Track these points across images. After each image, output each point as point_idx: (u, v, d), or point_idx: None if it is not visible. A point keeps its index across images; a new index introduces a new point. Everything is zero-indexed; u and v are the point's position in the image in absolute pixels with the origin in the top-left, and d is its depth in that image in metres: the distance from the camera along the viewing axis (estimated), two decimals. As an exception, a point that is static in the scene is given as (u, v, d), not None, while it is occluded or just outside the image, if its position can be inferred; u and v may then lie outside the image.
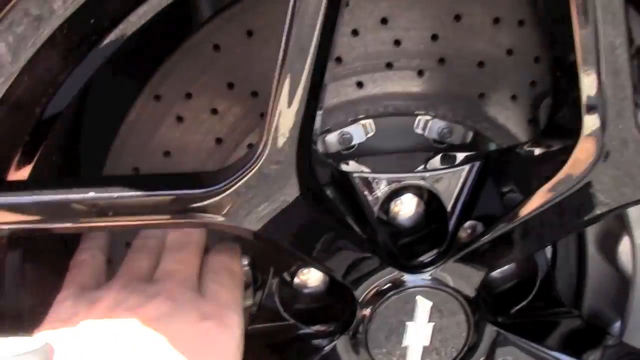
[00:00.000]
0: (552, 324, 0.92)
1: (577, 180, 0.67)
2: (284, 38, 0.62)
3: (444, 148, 0.91)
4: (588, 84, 0.62)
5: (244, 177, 0.66)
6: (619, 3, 0.61)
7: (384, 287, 0.78)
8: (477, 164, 0.80)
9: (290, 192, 0.68)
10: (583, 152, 0.66)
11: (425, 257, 0.80)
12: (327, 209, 0.76)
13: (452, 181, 0.80)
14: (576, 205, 0.69)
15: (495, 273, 0.90)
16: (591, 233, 0.92)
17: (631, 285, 0.90)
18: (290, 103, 0.62)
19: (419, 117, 0.89)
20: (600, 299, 0.95)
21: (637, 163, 0.66)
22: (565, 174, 0.68)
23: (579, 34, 0.61)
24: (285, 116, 0.62)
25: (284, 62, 0.61)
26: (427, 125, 0.90)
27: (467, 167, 0.80)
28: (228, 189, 0.67)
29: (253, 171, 0.65)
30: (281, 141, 0.63)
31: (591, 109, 0.63)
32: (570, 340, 0.91)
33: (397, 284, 0.79)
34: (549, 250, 0.95)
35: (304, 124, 0.63)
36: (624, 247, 0.89)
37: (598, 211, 0.69)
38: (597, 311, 0.96)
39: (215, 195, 0.67)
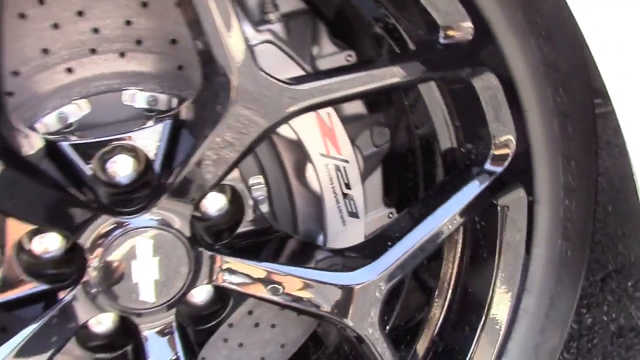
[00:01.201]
0: (272, 245, 1.12)
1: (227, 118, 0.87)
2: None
3: (154, 115, 1.07)
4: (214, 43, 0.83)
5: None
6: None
7: (104, 233, 0.92)
8: (169, 121, 0.96)
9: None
10: (219, 99, 0.86)
11: (140, 204, 0.96)
12: (39, 175, 0.89)
13: (153, 137, 0.96)
14: (230, 139, 0.89)
15: (213, 212, 1.07)
16: (290, 167, 1.14)
17: (322, 202, 1.13)
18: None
19: (125, 92, 1.05)
20: (308, 219, 1.17)
21: (266, 98, 0.86)
22: (220, 116, 0.87)
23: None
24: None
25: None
26: (134, 97, 1.05)
27: (162, 124, 0.96)
28: None
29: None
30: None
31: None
32: (292, 257, 1.12)
33: (116, 228, 0.93)
34: (263, 189, 1.15)
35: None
36: (310, 172, 1.12)
37: (247, 141, 0.89)
38: (309, 230, 1.18)
39: None
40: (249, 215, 1.08)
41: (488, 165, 1.03)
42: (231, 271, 1.02)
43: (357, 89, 0.88)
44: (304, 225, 1.17)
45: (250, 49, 0.84)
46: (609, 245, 1.92)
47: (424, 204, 1.04)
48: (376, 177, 1.21)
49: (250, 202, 1.08)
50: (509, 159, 1.02)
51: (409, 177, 1.25)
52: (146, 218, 0.95)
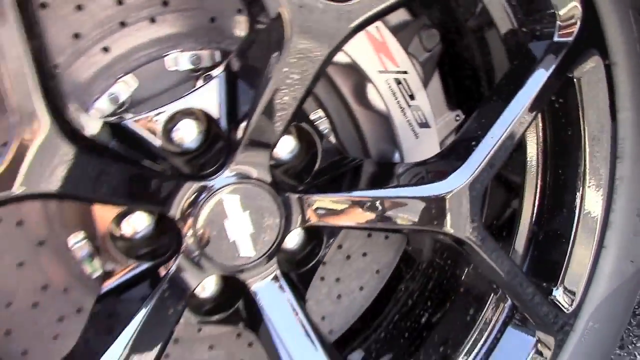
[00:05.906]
0: (351, 174, 1.09)
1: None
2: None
3: (201, 73, 1.04)
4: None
5: (20, 151, 0.76)
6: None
7: (190, 200, 0.91)
8: (222, 74, 0.93)
9: (67, 152, 0.78)
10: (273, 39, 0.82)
11: (217, 163, 0.94)
12: (112, 156, 0.87)
13: (210, 96, 0.93)
14: (293, 78, 0.85)
15: (286, 155, 1.05)
16: (348, 92, 1.10)
17: (391, 120, 1.10)
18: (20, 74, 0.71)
19: (166, 57, 1.01)
20: (379, 141, 1.14)
21: (322, 25, 0.81)
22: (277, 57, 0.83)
23: None
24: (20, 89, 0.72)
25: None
26: (177, 61, 1.02)
27: (215, 81, 0.93)
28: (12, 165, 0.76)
29: (20, 144, 0.76)
30: (30, 114, 0.73)
31: None
32: (373, 180, 1.09)
33: (201, 193, 0.91)
34: (325, 121, 1.12)
35: (46, 95, 0.73)
36: (371, 92, 1.08)
37: (311, 74, 0.84)
38: (382, 151, 1.15)
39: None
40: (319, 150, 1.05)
41: (557, 38, 0.97)
42: (322, 208, 1.00)
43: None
44: (375, 147, 1.14)
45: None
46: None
47: (499, 95, 0.99)
48: (436, 82, 1.17)
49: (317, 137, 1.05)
50: (578, 25, 0.96)
51: (467, 74, 1.21)
52: (227, 175, 0.93)
